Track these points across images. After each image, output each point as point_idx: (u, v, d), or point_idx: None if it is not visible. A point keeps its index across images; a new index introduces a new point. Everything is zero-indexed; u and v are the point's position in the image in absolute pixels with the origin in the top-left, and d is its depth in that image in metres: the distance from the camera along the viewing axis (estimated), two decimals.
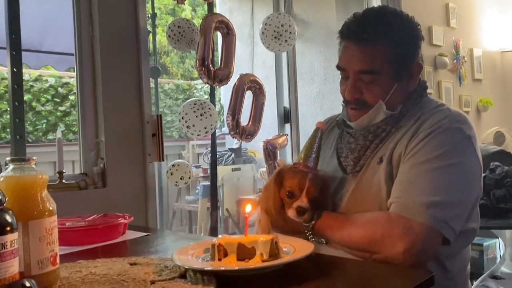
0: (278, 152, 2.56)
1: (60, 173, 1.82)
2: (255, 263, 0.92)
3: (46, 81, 4.68)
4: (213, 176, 2.67)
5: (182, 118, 2.08)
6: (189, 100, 2.13)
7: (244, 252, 0.94)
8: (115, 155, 1.93)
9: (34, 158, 0.87)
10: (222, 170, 4.14)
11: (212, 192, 2.69)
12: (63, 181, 1.83)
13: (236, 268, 0.86)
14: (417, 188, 1.07)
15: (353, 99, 1.21)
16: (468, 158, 1.12)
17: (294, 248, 1.00)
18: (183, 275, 0.90)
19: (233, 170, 4.25)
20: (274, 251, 0.94)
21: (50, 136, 4.60)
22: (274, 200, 1.18)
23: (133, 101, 2.02)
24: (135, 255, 1.13)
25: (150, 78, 2.14)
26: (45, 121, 4.66)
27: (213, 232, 2.73)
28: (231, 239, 0.97)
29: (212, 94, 2.40)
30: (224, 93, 5.04)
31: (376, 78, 1.19)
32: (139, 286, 0.84)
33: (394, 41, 1.19)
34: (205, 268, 0.86)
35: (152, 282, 0.87)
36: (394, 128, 1.20)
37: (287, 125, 2.84)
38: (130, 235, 1.38)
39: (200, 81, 5.88)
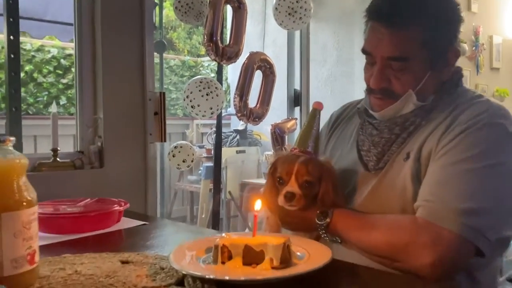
0: (287, 137, 2.42)
1: (54, 150, 1.70)
2: (264, 270, 0.80)
3: (49, 51, 4.53)
4: (217, 158, 2.55)
5: (187, 97, 1.95)
6: (194, 78, 1.99)
7: (252, 256, 0.83)
8: (114, 134, 1.80)
9: (11, 138, 0.75)
10: (226, 152, 4.02)
11: (216, 175, 2.57)
12: (58, 159, 1.71)
13: (243, 278, 0.74)
14: (449, 191, 0.93)
15: (379, 87, 1.07)
16: (510, 159, 0.98)
17: (308, 253, 0.87)
18: (180, 281, 0.78)
19: (237, 152, 4.12)
20: (286, 257, 0.82)
21: (51, 109, 4.47)
22: (271, 193, 1.06)
23: (135, 77, 1.88)
24: (129, 248, 1.01)
25: (155, 53, 2.00)
26: (46, 93, 4.53)
27: (215, 216, 2.62)
28: (237, 239, 0.85)
29: (219, 73, 2.25)
30: (232, 71, 4.88)
31: (407, 65, 1.04)
32: None
33: (430, 23, 1.04)
34: (207, 276, 0.74)
35: None
36: (424, 121, 1.06)
37: (297, 109, 2.70)
38: (126, 223, 1.27)
39: (207, 58, 5.71)
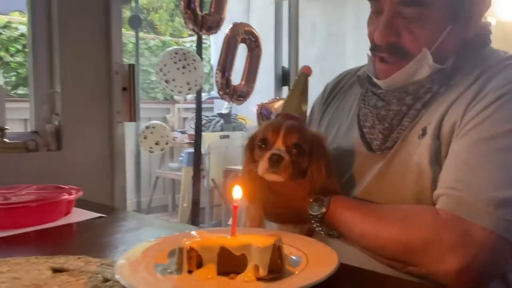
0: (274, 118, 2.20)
1: (2, 130, 1.45)
2: (246, 282, 0.57)
3: (16, 28, 4.19)
4: (197, 144, 2.32)
5: (160, 70, 1.70)
6: (169, 49, 1.75)
7: (229, 263, 0.60)
8: (74, 111, 1.56)
9: None
10: (209, 137, 3.78)
11: (196, 161, 2.35)
12: (5, 140, 1.46)
13: None
14: (481, 176, 0.73)
15: (385, 43, 0.85)
16: None
17: (306, 257, 0.65)
18: None
19: (221, 137, 3.88)
20: (277, 263, 0.59)
21: (20, 91, 4.15)
22: (250, 173, 0.82)
23: (98, 47, 1.63)
24: (74, 249, 0.78)
25: (130, 30, 1.75)
26: (14, 73, 4.20)
27: (195, 207, 2.40)
28: (211, 240, 0.62)
29: (199, 45, 2.01)
30: (215, 53, 4.62)
31: (422, 13, 0.82)
32: None
33: None
34: None
35: None
36: (444, 88, 0.84)
37: (285, 89, 2.47)
38: (77, 216, 1.03)
39: (189, 38, 5.43)
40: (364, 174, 0.88)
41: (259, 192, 0.83)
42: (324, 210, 0.80)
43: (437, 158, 0.79)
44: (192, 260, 0.61)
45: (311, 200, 0.82)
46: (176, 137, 4.21)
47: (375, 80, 0.91)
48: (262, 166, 0.78)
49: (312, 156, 0.82)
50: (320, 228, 0.83)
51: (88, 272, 0.64)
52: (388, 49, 0.86)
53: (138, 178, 3.99)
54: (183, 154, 4.06)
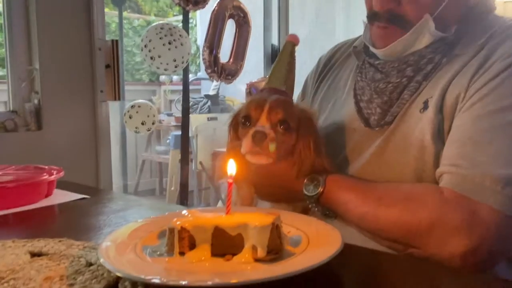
0: None
1: None
2: (243, 264, 0.53)
3: None
4: (185, 126, 2.26)
5: (145, 46, 1.62)
6: (154, 24, 1.67)
7: (225, 244, 0.56)
8: (54, 89, 1.48)
9: None
10: (197, 119, 3.70)
11: (184, 144, 2.29)
12: None
13: (210, 283, 0.46)
14: (487, 153, 0.68)
15: (384, 8, 0.80)
16: None
17: (306, 236, 0.60)
18: (112, 287, 0.50)
19: (208, 119, 3.81)
20: (276, 243, 0.55)
21: None
22: (235, 149, 0.76)
23: (79, 22, 1.55)
24: (55, 232, 0.73)
25: (113, 8, 1.66)
26: None
27: (184, 189, 2.35)
28: (203, 219, 0.57)
29: (185, 20, 1.92)
30: (201, 33, 4.51)
31: None
32: None
33: None
34: (152, 280, 0.46)
35: None
36: (447, 58, 0.79)
37: None
38: (58, 197, 0.97)
39: (175, 18, 5.29)
40: (361, 152, 0.83)
41: (247, 171, 0.78)
42: (320, 190, 0.75)
43: (440, 133, 0.75)
44: (184, 241, 0.56)
45: (305, 180, 0.77)
46: (162, 120, 4.13)
47: (372, 49, 0.86)
48: (245, 144, 0.72)
49: (300, 133, 0.76)
50: (316, 208, 0.78)
51: (70, 256, 0.59)
52: (387, 16, 0.80)
53: (124, 161, 3.91)
54: (170, 137, 3.99)
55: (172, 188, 3.89)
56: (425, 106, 0.77)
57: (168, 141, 4.10)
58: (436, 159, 0.73)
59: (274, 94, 0.77)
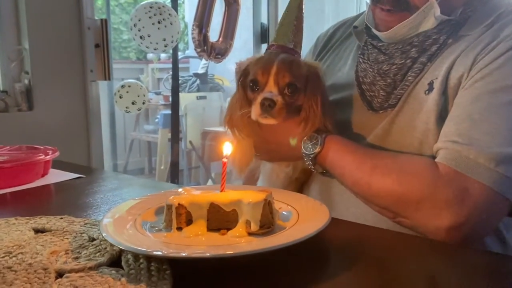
0: None
1: None
2: (238, 237, 0.56)
3: None
4: (175, 105, 2.27)
5: (134, 25, 1.62)
6: (143, 3, 1.66)
7: (220, 219, 0.59)
8: (45, 69, 1.48)
9: None
10: (186, 98, 3.70)
11: (174, 123, 2.30)
12: None
13: (208, 255, 0.50)
14: (484, 131, 0.68)
15: None
16: None
17: (296, 212, 0.64)
18: (116, 259, 0.53)
19: (198, 98, 3.81)
20: (268, 218, 0.58)
21: None
22: (242, 107, 0.78)
23: (67, 1, 1.53)
24: (54, 210, 0.75)
25: None
26: None
27: (174, 168, 2.37)
28: (199, 196, 0.60)
29: (174, 0, 1.92)
30: (189, 10, 4.46)
31: None
32: (33, 284, 0.47)
33: None
34: (154, 252, 0.49)
35: (60, 275, 0.50)
36: (452, 39, 0.79)
37: (264, 46, 2.40)
38: (54, 177, 0.99)
39: None
40: (364, 135, 0.82)
41: (251, 131, 0.80)
42: (318, 149, 0.76)
43: (443, 115, 0.74)
44: (181, 217, 0.59)
45: (305, 138, 0.78)
46: (151, 99, 4.10)
47: (375, 31, 0.85)
48: (255, 111, 0.75)
49: (307, 91, 0.77)
50: (313, 167, 0.80)
51: (72, 232, 0.62)
52: (391, 0, 0.79)
53: (114, 140, 3.90)
54: (159, 116, 3.98)
55: (162, 167, 3.91)
56: (430, 87, 0.77)
57: (157, 120, 4.09)
58: None
59: (282, 53, 0.77)
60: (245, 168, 0.87)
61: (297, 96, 0.77)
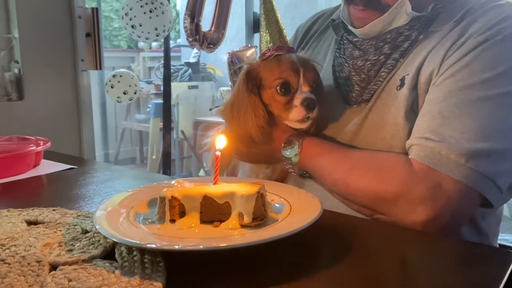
0: None
1: None
2: (231, 230, 0.57)
3: None
4: (167, 94, 2.26)
5: (126, 14, 1.60)
6: None
7: (213, 211, 0.60)
8: (35, 59, 1.47)
9: None
10: (177, 87, 3.68)
11: (166, 112, 2.29)
12: None
13: (202, 248, 0.50)
14: (454, 127, 0.70)
15: None
16: None
17: (288, 204, 0.65)
18: (109, 251, 0.53)
19: (189, 87, 3.79)
20: (261, 210, 0.59)
21: None
22: (258, 115, 0.78)
23: None
24: (46, 202, 0.76)
25: None
26: None
27: (166, 158, 2.37)
28: (192, 189, 0.61)
29: None
30: None
31: None
32: (27, 277, 0.47)
33: None
34: (147, 245, 0.50)
35: (53, 267, 0.50)
36: (423, 35, 0.81)
37: (257, 36, 2.39)
38: (46, 168, 0.99)
39: None
40: (340, 128, 0.85)
41: (268, 139, 0.81)
42: (297, 152, 0.79)
43: (414, 110, 0.77)
44: (174, 209, 0.59)
45: (283, 143, 0.81)
46: (142, 88, 4.08)
47: (350, 28, 0.87)
48: (297, 113, 0.76)
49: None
50: (293, 171, 0.82)
51: (65, 224, 0.62)
52: (363, 1, 0.80)
53: (105, 130, 3.88)
54: (150, 105, 3.96)
55: (153, 157, 3.90)
56: (402, 83, 0.79)
57: (148, 109, 4.07)
58: (409, 135, 0.76)
59: (290, 53, 0.79)
60: (224, 170, 0.90)
61: (319, 93, 0.79)
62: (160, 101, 3.73)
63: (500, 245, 0.94)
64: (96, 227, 0.54)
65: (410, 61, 0.80)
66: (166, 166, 2.32)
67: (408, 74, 0.79)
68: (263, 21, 0.82)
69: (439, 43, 0.78)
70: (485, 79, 0.72)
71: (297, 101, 0.76)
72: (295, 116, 0.77)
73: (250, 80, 0.79)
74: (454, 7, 0.82)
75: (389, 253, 0.58)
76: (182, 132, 3.62)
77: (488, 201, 0.71)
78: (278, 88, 0.78)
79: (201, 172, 3.53)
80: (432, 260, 0.55)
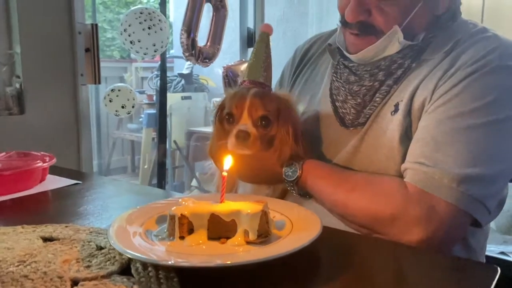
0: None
1: None
2: (237, 246, 0.61)
3: None
4: (162, 105, 2.30)
5: (125, 30, 1.65)
6: (133, 8, 1.69)
7: (220, 228, 0.64)
8: (36, 73, 1.50)
9: None
10: (171, 98, 3.71)
11: (160, 123, 2.33)
12: None
13: (213, 265, 0.54)
14: (447, 153, 0.75)
15: (356, 20, 0.85)
16: None
17: (289, 221, 0.69)
18: (125, 267, 0.57)
19: (182, 98, 3.83)
20: (265, 228, 0.63)
21: None
22: (220, 139, 0.85)
23: (59, 5, 1.55)
24: (56, 218, 0.79)
25: None
26: None
27: (161, 168, 2.40)
28: (200, 207, 0.65)
29: (162, 3, 1.95)
30: (175, 8, 4.46)
31: None
32: None
33: None
34: (161, 263, 0.54)
35: (75, 283, 0.54)
36: (415, 63, 0.86)
37: (251, 50, 2.45)
38: (52, 183, 1.02)
39: None
40: (337, 149, 0.89)
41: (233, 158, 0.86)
42: (297, 175, 0.84)
43: (408, 135, 0.81)
44: (183, 226, 0.63)
45: (285, 166, 0.85)
46: None
47: (345, 53, 0.92)
48: (231, 142, 0.81)
49: (279, 122, 0.84)
50: (293, 191, 0.87)
51: (80, 240, 0.66)
52: (358, 26, 0.86)
53: (99, 140, 3.90)
54: (143, 115, 3.99)
55: (145, 166, 3.92)
56: (396, 109, 0.84)
57: (141, 119, 4.10)
58: (404, 158, 0.81)
59: (254, 87, 0.84)
60: (228, 192, 0.94)
61: (271, 128, 0.83)
62: (153, 111, 3.77)
63: (486, 256, 0.98)
64: (111, 242, 0.58)
65: (404, 88, 0.85)
66: (161, 176, 2.35)
67: (402, 100, 0.83)
68: (252, 53, 0.89)
69: (431, 72, 0.83)
70: (474, 108, 0.76)
71: (234, 131, 0.81)
72: (229, 145, 0.81)
73: (219, 109, 0.87)
74: (444, 37, 0.86)
75: (385, 268, 0.63)
76: (175, 142, 3.65)
77: (477, 221, 0.76)
78: (225, 117, 0.84)
79: (193, 182, 3.56)
80: (424, 275, 0.60)
